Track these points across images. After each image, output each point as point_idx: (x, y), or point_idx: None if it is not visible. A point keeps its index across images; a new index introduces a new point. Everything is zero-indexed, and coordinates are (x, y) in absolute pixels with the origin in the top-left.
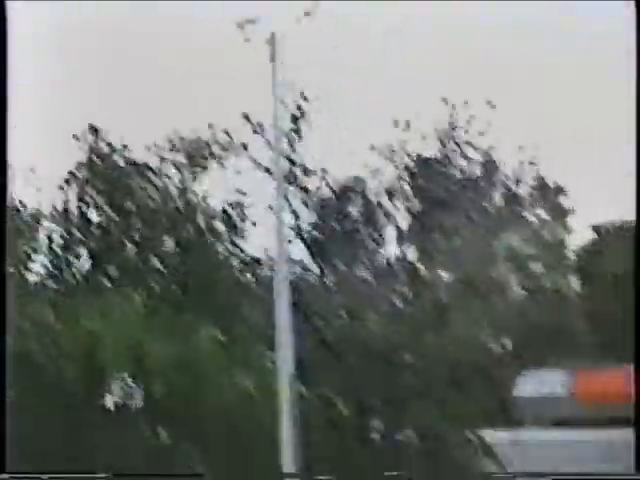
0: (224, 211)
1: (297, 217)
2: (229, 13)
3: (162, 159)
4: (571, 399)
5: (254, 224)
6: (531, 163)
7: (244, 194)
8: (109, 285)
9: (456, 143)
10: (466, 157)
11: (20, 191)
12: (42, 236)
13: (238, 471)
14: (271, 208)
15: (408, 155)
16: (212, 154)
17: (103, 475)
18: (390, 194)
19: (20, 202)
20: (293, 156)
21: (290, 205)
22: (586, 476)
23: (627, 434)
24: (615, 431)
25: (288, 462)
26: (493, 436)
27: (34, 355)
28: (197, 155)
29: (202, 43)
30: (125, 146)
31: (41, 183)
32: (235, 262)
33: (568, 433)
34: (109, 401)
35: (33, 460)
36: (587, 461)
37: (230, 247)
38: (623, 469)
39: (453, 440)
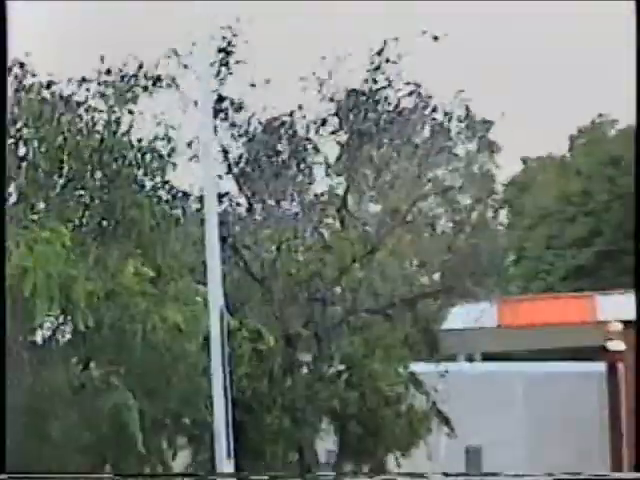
0: (152, 145)
1: (226, 151)
2: None
3: (90, 92)
4: (498, 330)
5: (189, 159)
6: (460, 91)
7: (173, 128)
8: (36, 220)
9: (387, 79)
10: (396, 90)
11: None
12: None
13: (168, 405)
14: (199, 142)
15: (338, 88)
16: (140, 87)
17: (105, 475)
18: (319, 127)
19: None
20: (222, 90)
21: (219, 139)
22: (586, 476)
23: (550, 366)
24: (541, 362)
25: (218, 395)
26: (421, 368)
27: None
28: (125, 88)
29: None
30: (51, 81)
31: None
32: (164, 196)
33: (496, 365)
34: (37, 336)
35: None
36: (514, 391)
37: (159, 181)
38: (543, 403)
39: (381, 372)
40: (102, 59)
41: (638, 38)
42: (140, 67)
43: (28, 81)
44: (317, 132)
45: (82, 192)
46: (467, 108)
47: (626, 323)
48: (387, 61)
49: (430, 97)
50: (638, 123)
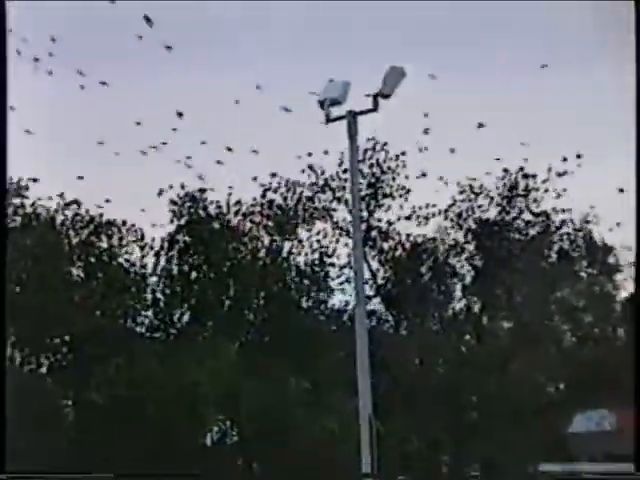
0: (309, 268)
1: (374, 274)
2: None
3: (253, 222)
4: (616, 434)
5: (339, 283)
6: (586, 222)
7: (327, 254)
8: (206, 337)
9: (518, 208)
10: (525, 220)
11: (127, 251)
12: (148, 292)
13: None
14: (351, 267)
15: (472, 218)
16: (298, 218)
17: (105, 475)
18: (456, 253)
19: (127, 261)
20: (370, 220)
21: (368, 263)
22: (586, 476)
23: None
24: None
25: None
26: (551, 469)
27: (142, 401)
28: (285, 220)
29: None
30: (220, 213)
31: (145, 243)
32: (319, 314)
33: (616, 465)
34: (207, 440)
35: None
36: None
37: (315, 301)
38: None
39: (514, 473)
40: (264, 193)
41: (638, 38)
42: (298, 201)
43: (198, 212)
44: (455, 257)
45: (247, 311)
46: (590, 236)
47: None
48: (518, 196)
49: (558, 227)
50: (638, 126)
